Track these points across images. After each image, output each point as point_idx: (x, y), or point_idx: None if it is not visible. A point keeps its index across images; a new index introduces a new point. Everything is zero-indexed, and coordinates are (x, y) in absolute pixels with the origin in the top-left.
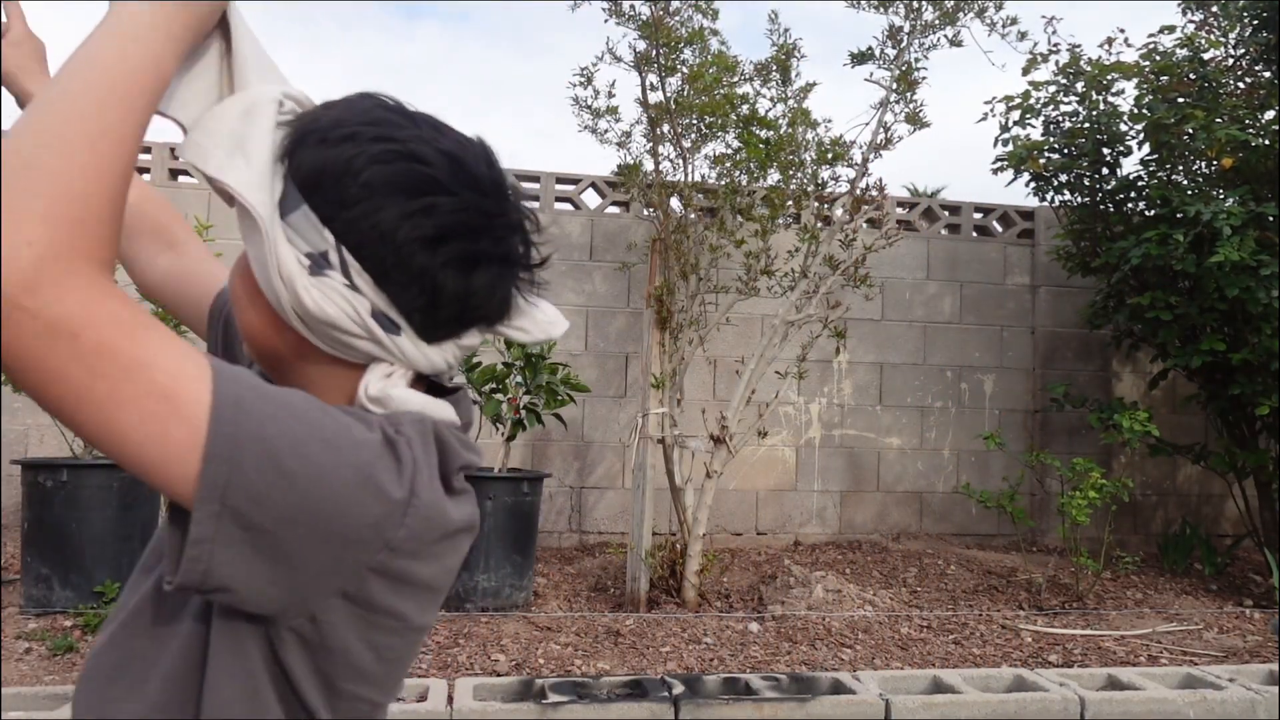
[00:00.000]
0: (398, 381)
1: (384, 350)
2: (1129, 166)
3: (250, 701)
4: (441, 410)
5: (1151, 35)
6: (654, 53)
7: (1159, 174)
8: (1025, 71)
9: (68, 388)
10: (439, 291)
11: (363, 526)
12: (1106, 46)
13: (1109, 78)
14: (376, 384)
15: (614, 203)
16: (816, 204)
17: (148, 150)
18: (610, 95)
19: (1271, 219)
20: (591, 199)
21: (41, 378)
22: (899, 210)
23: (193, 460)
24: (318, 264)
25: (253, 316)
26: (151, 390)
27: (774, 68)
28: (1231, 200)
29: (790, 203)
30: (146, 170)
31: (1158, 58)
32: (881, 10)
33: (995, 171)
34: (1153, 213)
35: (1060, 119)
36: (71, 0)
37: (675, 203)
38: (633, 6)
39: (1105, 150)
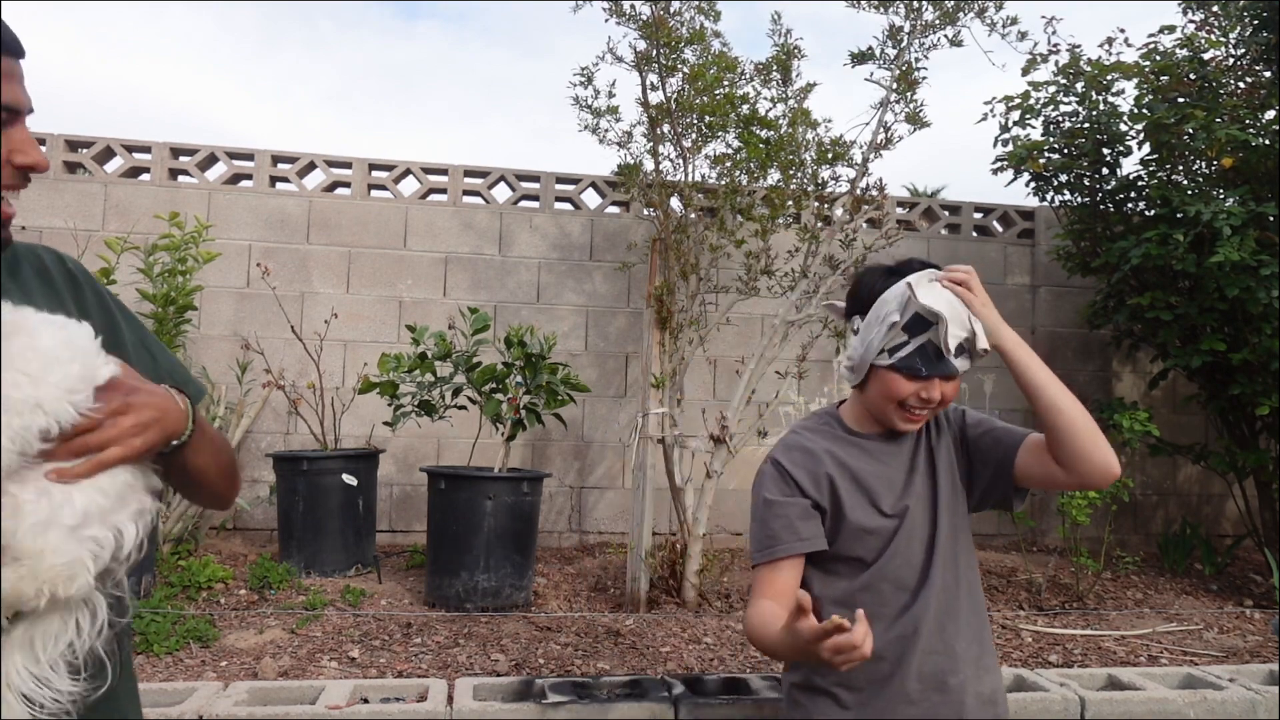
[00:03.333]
0: None
1: None
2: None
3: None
4: None
5: (1151, 35)
6: (655, 52)
7: (1159, 174)
8: (1025, 71)
9: None
10: None
11: None
12: (1106, 46)
13: (1109, 78)
14: None
15: (614, 203)
16: (816, 204)
17: (147, 150)
18: (610, 95)
19: (1271, 219)
20: (592, 199)
21: None
22: (899, 210)
23: None
24: None
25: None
26: None
27: (774, 68)
28: (1231, 200)
29: (790, 203)
30: (146, 170)
31: (1158, 58)
32: (881, 10)
33: (995, 171)
34: (1153, 213)
35: (1060, 119)
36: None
37: (675, 202)
38: (633, 6)
39: (1105, 150)
